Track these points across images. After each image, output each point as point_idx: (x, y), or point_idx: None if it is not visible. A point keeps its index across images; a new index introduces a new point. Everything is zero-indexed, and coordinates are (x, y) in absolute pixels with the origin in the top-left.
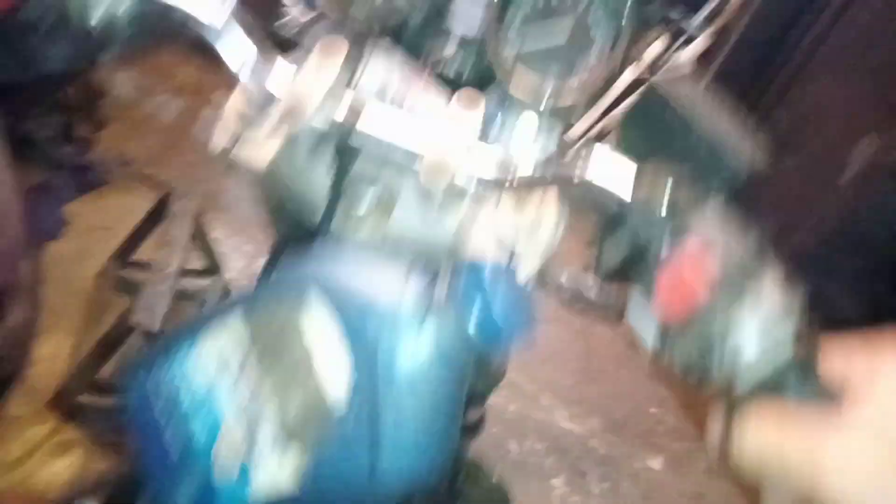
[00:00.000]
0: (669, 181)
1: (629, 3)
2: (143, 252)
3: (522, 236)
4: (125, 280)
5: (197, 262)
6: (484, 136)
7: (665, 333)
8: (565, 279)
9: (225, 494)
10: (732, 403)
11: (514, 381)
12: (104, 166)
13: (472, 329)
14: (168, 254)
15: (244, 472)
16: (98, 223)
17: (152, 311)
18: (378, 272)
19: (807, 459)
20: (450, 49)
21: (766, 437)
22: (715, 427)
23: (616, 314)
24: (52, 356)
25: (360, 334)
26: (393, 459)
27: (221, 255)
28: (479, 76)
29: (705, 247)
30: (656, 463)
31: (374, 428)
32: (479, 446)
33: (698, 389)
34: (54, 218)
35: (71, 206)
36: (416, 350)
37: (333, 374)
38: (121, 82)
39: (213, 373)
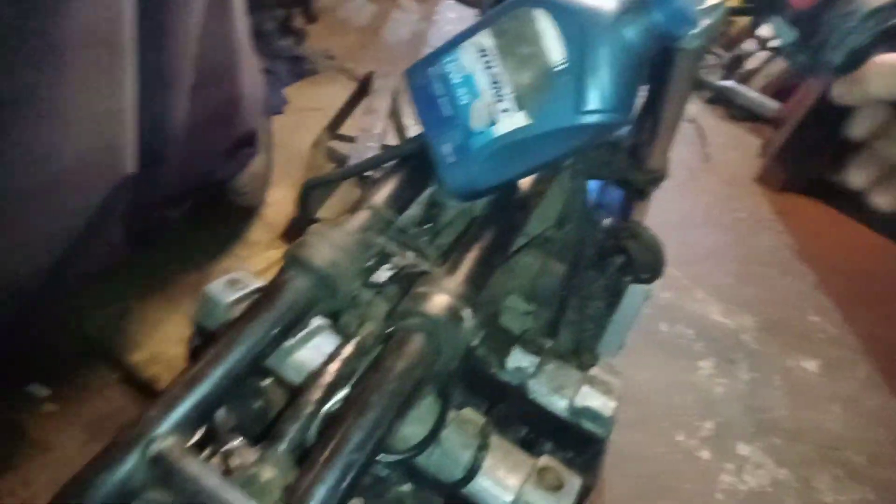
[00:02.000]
0: None
1: None
2: (349, 129)
3: None
4: (334, 150)
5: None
6: None
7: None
8: None
9: (478, 136)
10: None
11: (670, 273)
12: (313, 58)
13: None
14: (372, 120)
15: (492, 121)
16: (311, 104)
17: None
18: None
19: None
20: None
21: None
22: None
23: None
24: (281, 200)
25: (572, 25)
26: (595, 103)
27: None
28: None
29: None
30: (811, 365)
31: (581, 82)
32: None
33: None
34: (277, 97)
35: (289, 89)
36: (613, 42)
37: (554, 51)
38: None
39: (472, 61)
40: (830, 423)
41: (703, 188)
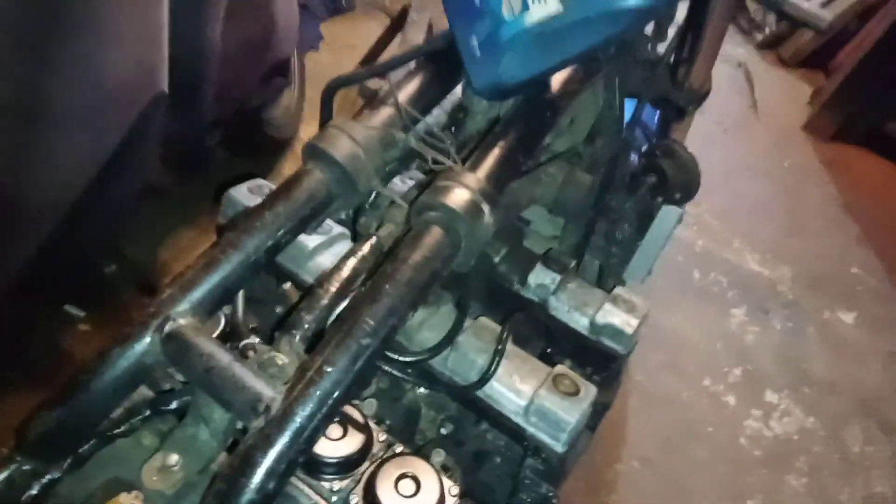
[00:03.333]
0: None
1: None
2: None
3: None
4: (366, 86)
5: None
6: None
7: None
8: None
9: (508, 26)
10: None
11: (706, 221)
12: None
13: None
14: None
15: (524, 8)
16: (346, 42)
17: None
18: None
19: None
20: None
21: None
22: None
23: None
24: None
25: None
26: None
27: None
28: None
29: None
30: (849, 318)
31: None
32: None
33: None
34: (313, 32)
35: (325, 25)
36: None
37: None
38: None
39: None
40: (866, 377)
41: (750, 137)
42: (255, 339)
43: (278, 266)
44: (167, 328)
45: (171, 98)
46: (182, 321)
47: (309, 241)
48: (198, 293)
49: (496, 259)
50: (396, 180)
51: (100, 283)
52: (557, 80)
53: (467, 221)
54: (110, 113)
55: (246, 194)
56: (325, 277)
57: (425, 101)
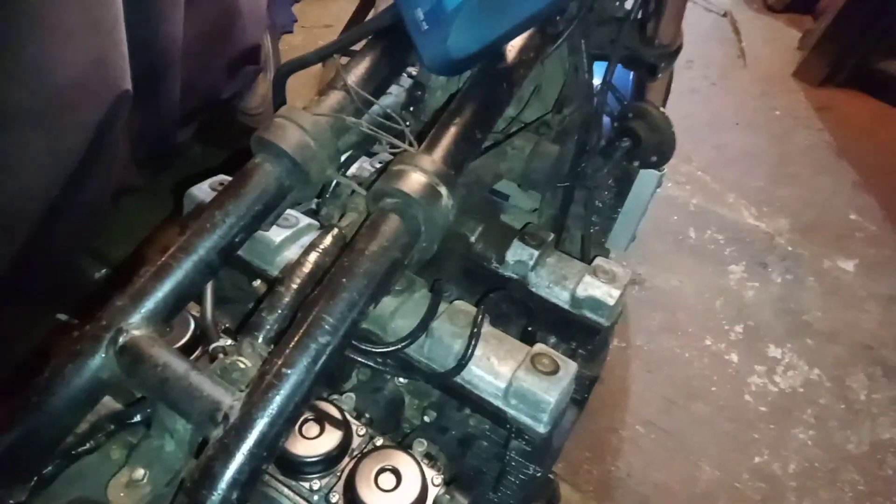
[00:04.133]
0: None
1: None
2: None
3: None
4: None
5: None
6: None
7: None
8: None
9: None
10: None
11: (699, 178)
12: None
13: None
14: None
15: None
16: (321, 21)
17: None
18: None
19: None
20: None
21: None
22: None
23: None
24: None
25: None
26: None
27: None
28: None
29: None
30: (848, 265)
31: None
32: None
33: None
34: (286, 14)
35: (297, 6)
36: None
37: None
38: None
39: None
40: (866, 322)
41: (737, 86)
42: (226, 342)
43: (247, 263)
44: (120, 340)
45: (136, 94)
46: (136, 332)
47: (276, 235)
48: (149, 302)
49: (472, 238)
50: (366, 164)
51: (85, 285)
52: (513, 48)
53: (424, 206)
54: (67, 114)
55: (207, 191)
56: (287, 273)
57: (378, 81)
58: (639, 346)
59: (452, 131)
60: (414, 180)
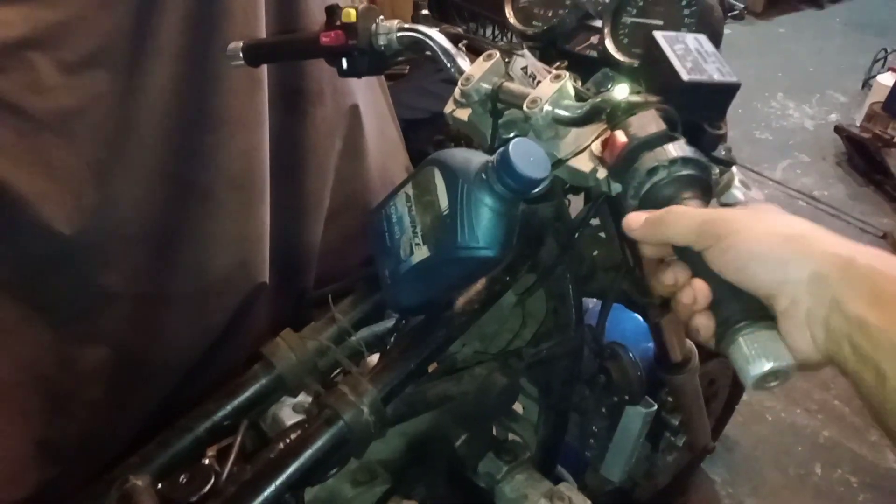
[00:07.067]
0: None
1: None
2: None
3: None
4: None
5: None
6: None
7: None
8: None
9: (403, 264)
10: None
11: (835, 408)
12: None
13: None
14: None
15: (411, 252)
16: None
17: None
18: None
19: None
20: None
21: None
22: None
23: None
24: None
25: (451, 179)
26: (469, 240)
27: None
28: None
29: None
30: None
31: (457, 223)
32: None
33: None
34: None
35: None
36: (479, 194)
37: (442, 199)
38: None
39: (402, 205)
40: None
41: None
42: None
43: None
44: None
45: (272, 283)
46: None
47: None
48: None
49: (456, 444)
50: None
51: None
52: (462, 299)
53: (353, 428)
54: (214, 300)
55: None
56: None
57: (365, 321)
58: None
59: (390, 364)
60: (347, 403)
